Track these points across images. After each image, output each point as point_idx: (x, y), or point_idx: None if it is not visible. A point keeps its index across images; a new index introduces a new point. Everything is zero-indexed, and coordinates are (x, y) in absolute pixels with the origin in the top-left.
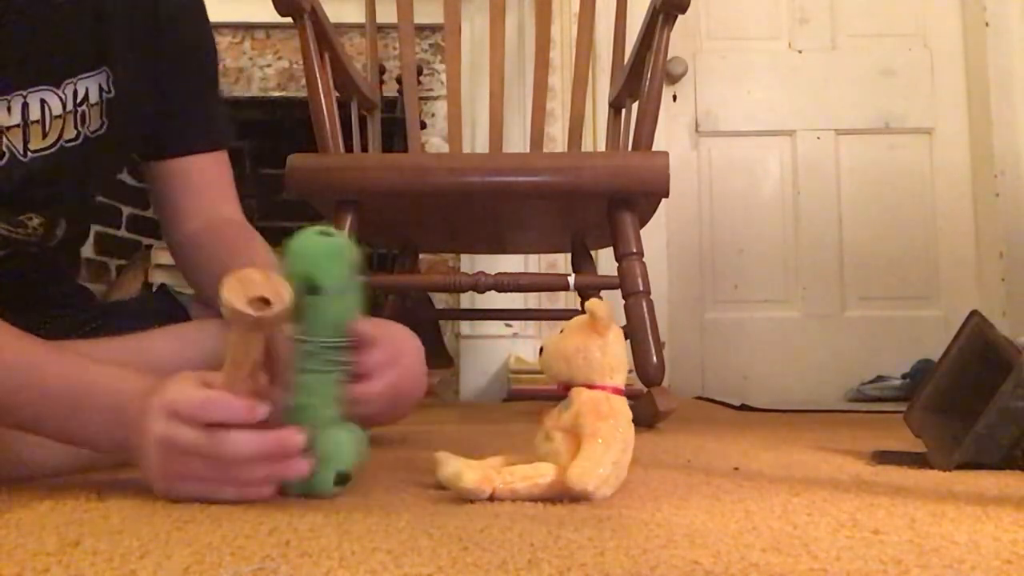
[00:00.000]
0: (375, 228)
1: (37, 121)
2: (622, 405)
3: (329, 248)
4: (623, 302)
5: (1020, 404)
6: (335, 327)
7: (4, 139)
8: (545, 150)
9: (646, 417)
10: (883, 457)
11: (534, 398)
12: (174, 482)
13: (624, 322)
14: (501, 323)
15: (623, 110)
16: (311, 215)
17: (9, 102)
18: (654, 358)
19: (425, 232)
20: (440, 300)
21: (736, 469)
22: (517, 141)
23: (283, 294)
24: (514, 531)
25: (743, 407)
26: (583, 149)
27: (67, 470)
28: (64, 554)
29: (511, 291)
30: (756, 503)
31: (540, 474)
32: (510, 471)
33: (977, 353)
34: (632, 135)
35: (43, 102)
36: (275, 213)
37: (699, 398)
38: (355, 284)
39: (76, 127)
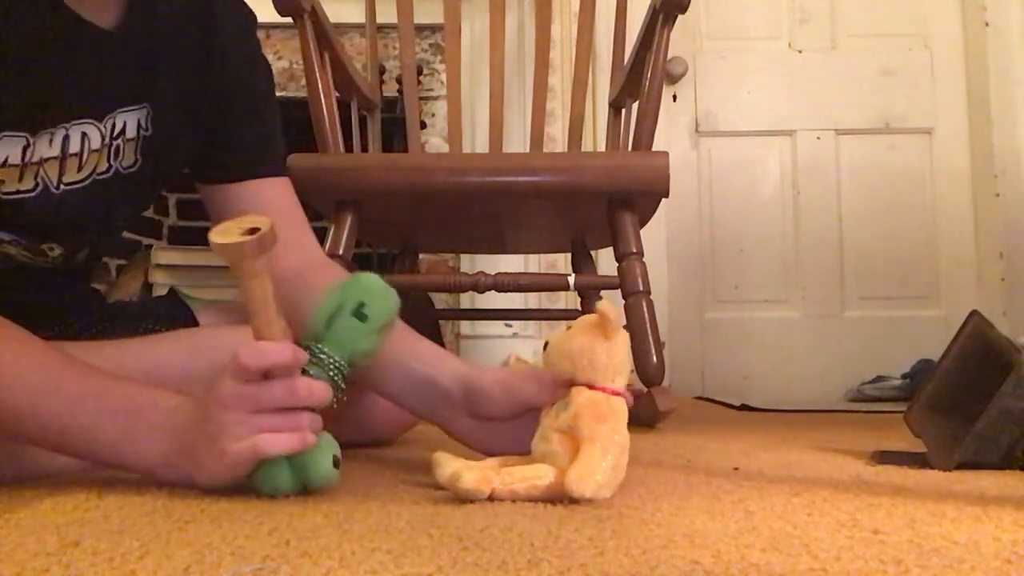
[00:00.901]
0: (375, 228)
1: (75, 154)
2: (621, 407)
3: (388, 291)
4: (623, 302)
5: (1020, 404)
6: (353, 355)
7: (40, 171)
8: (545, 150)
9: (646, 417)
10: (883, 457)
11: None
12: (237, 442)
13: (624, 322)
14: (501, 323)
15: (623, 110)
16: (311, 215)
17: (52, 134)
18: (654, 358)
19: (425, 232)
20: (440, 300)
21: (736, 469)
22: (517, 141)
23: (266, 219)
24: (514, 531)
25: (743, 407)
26: (583, 149)
27: (72, 468)
28: (64, 554)
29: (511, 291)
30: (756, 503)
31: (539, 475)
32: (509, 472)
33: (977, 353)
34: (632, 135)
35: (84, 135)
36: None
37: (699, 398)
38: (381, 339)
39: (109, 160)
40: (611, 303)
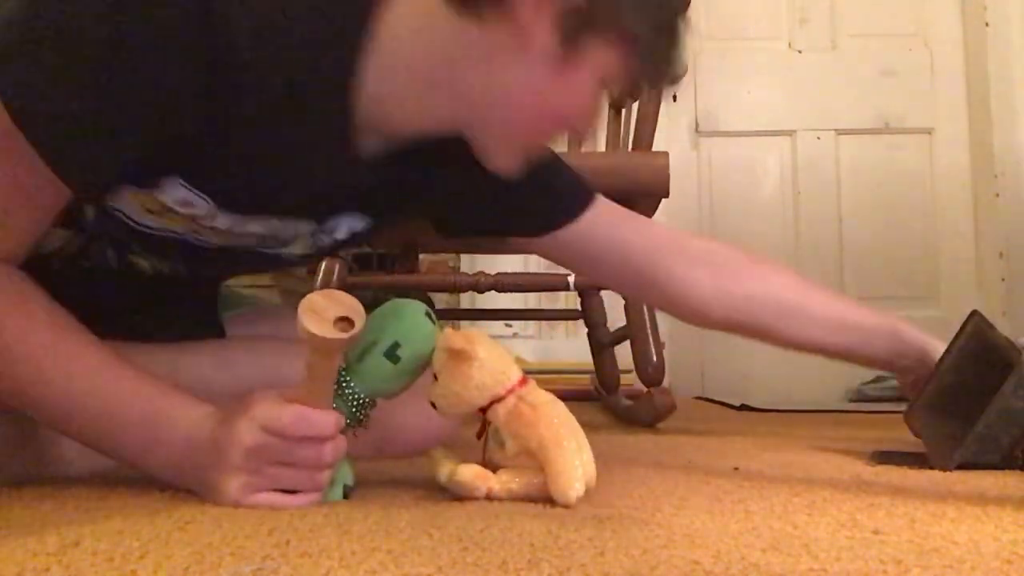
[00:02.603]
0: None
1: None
2: (534, 391)
3: (427, 330)
4: (623, 302)
5: (1020, 404)
6: (379, 392)
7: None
8: None
9: (646, 417)
10: (883, 457)
11: None
12: (252, 493)
13: (623, 323)
14: (501, 323)
15: (623, 110)
16: None
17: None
18: (654, 358)
19: (425, 232)
20: (440, 300)
21: (736, 469)
22: None
23: (359, 309)
24: (514, 531)
25: (743, 407)
26: (583, 149)
27: (98, 470)
28: (64, 554)
29: (511, 291)
30: (756, 503)
31: (536, 473)
32: (507, 470)
33: (977, 353)
34: (632, 135)
35: (295, 226)
36: None
37: (699, 398)
38: (412, 379)
39: (317, 244)
40: (452, 331)
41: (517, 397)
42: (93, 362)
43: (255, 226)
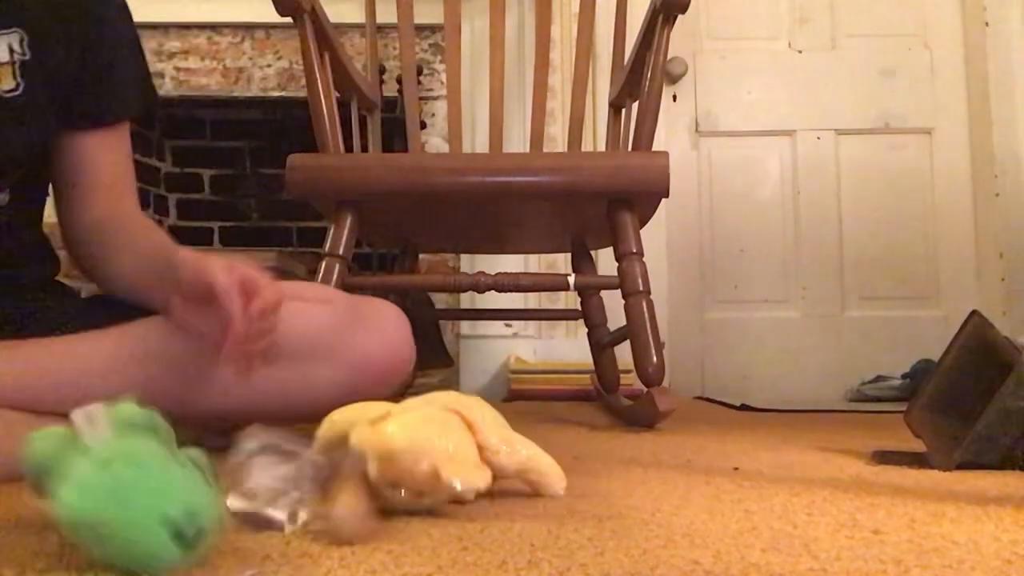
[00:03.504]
0: (375, 228)
1: None
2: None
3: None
4: (623, 302)
5: (1020, 404)
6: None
7: None
8: (545, 150)
9: (646, 417)
10: (883, 457)
11: (534, 398)
12: None
13: (623, 323)
14: (501, 323)
15: (623, 110)
16: (311, 215)
17: None
18: (654, 358)
19: (425, 232)
20: (440, 300)
21: (736, 469)
22: (517, 141)
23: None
24: (514, 531)
25: (743, 407)
26: (583, 149)
27: None
28: (64, 554)
29: (511, 291)
30: (756, 503)
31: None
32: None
33: (977, 353)
34: (632, 135)
35: None
36: (275, 213)
37: (699, 398)
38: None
39: None
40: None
41: (367, 421)
42: None
43: None
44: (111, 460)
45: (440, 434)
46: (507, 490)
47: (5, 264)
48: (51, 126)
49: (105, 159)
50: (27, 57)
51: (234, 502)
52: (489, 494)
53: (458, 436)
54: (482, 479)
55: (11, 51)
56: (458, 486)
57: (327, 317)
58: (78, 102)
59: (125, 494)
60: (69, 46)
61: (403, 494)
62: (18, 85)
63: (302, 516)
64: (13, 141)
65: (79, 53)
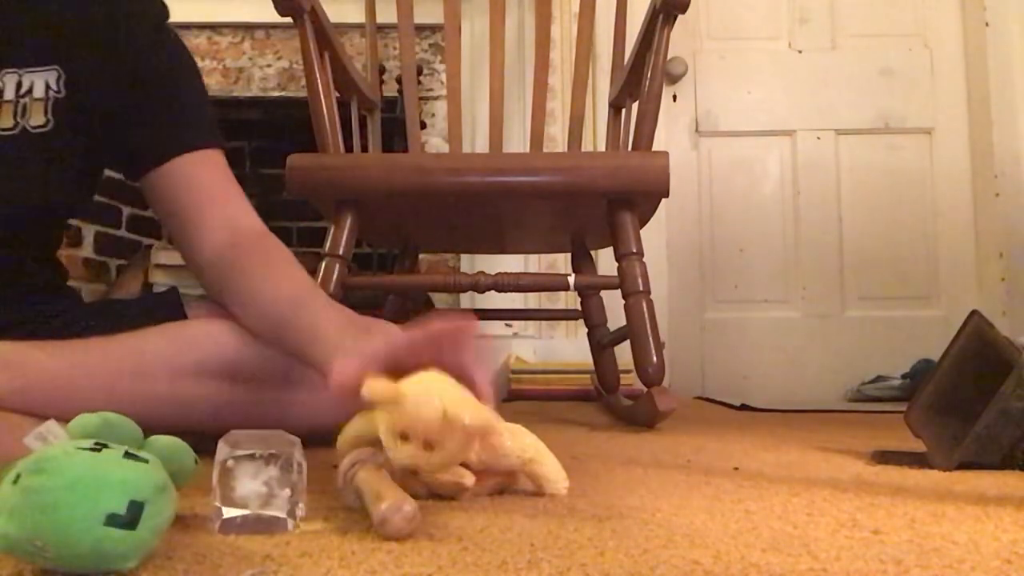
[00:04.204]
0: (375, 228)
1: None
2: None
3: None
4: (623, 302)
5: (1020, 404)
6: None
7: None
8: (545, 150)
9: (646, 417)
10: (883, 457)
11: (534, 398)
12: None
13: (623, 323)
14: (501, 323)
15: (623, 110)
16: (311, 215)
17: None
18: (654, 358)
19: (425, 232)
20: (440, 300)
21: (736, 469)
22: (517, 141)
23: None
24: (514, 531)
25: (743, 407)
26: (583, 149)
27: None
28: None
29: (511, 291)
30: (756, 503)
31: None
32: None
33: (977, 353)
34: (632, 135)
35: None
36: (275, 213)
37: (699, 398)
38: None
39: (15, 118)
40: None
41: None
42: None
43: None
44: (35, 473)
45: (449, 385)
46: (507, 490)
47: (19, 273)
48: (77, 165)
49: (192, 184)
50: (62, 95)
51: (229, 512)
52: (489, 495)
53: (465, 391)
54: (488, 420)
55: (47, 88)
56: (467, 420)
57: None
58: (133, 138)
59: (52, 503)
60: (115, 84)
61: (413, 450)
62: (48, 122)
63: (301, 511)
64: (36, 178)
65: (124, 91)
